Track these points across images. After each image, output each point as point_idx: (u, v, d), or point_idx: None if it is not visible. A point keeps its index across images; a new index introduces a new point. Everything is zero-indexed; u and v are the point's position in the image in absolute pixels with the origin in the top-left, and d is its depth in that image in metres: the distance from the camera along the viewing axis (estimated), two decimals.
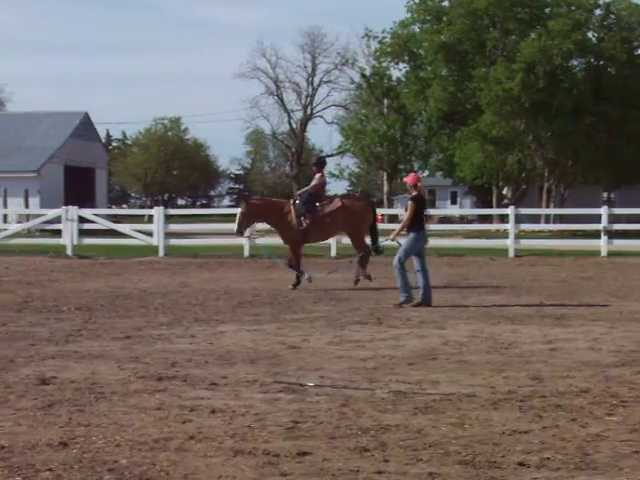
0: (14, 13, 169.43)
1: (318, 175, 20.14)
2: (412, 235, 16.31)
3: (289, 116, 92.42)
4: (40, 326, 13.38)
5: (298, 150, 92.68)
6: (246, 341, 12.02)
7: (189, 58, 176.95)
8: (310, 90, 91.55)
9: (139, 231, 32.46)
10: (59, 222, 32.09)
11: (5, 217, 46.36)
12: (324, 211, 19.67)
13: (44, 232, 38.63)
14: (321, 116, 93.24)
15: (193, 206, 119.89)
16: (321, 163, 20.84)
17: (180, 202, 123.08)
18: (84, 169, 63.39)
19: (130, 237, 31.61)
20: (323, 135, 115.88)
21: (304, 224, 19.48)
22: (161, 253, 29.93)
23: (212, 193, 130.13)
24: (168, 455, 6.51)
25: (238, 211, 19.94)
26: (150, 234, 31.20)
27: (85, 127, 64.72)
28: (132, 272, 24.02)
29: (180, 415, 7.73)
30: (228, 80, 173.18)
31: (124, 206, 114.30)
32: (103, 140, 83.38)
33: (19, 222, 41.87)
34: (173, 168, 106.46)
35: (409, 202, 16.42)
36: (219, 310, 15.45)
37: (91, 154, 64.38)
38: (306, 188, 20.31)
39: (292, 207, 19.67)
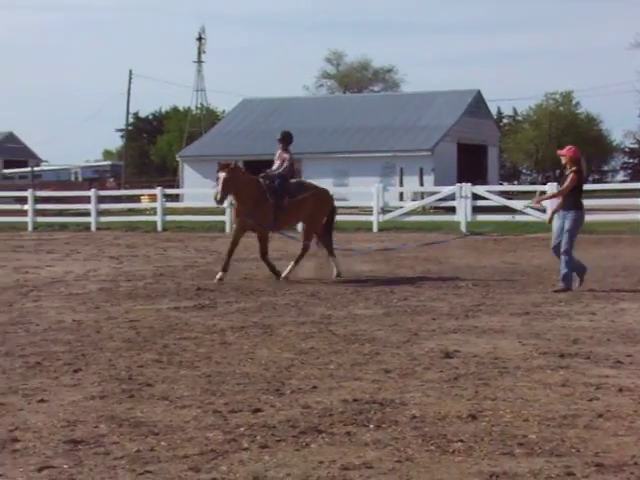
0: None
1: (286, 155, 17.34)
2: (573, 215, 14.67)
3: None
4: (440, 301, 13.70)
5: None
6: None
7: (580, 30, 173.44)
8: None
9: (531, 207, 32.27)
10: (453, 199, 32.60)
11: (401, 195, 47.77)
12: (297, 196, 17.14)
13: (438, 209, 39.45)
14: None
15: (584, 182, 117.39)
16: (288, 138, 17.59)
17: None
18: (476, 146, 64.02)
19: (523, 214, 31.48)
20: None
21: (282, 207, 16.85)
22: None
23: (605, 168, 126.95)
24: (577, 432, 6.45)
25: (220, 176, 16.34)
26: (543, 211, 30.95)
27: (477, 105, 65.31)
28: (525, 248, 23.95)
29: (586, 392, 7.64)
30: (622, 51, 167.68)
31: (515, 183, 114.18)
32: (494, 117, 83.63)
33: (414, 200, 43.01)
34: (565, 143, 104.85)
35: (570, 174, 14.82)
36: (618, 287, 15.08)
37: (483, 131, 64.89)
38: (280, 170, 17.23)
39: (266, 186, 16.98)
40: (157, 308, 13.15)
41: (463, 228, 30.97)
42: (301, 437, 6.42)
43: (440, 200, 35.48)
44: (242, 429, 6.63)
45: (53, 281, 16.84)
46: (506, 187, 64.87)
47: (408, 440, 6.32)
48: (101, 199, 36.99)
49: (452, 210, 32.77)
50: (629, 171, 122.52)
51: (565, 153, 15.13)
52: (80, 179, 68.21)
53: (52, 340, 10.43)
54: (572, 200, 14.87)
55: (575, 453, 5.99)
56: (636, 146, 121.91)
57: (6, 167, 77.45)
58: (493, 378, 8.25)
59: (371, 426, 6.68)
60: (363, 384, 8.04)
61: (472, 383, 8.05)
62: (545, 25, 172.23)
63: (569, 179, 14.89)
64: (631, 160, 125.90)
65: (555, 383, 8.01)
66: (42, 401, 7.51)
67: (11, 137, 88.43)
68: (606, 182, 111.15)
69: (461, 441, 6.27)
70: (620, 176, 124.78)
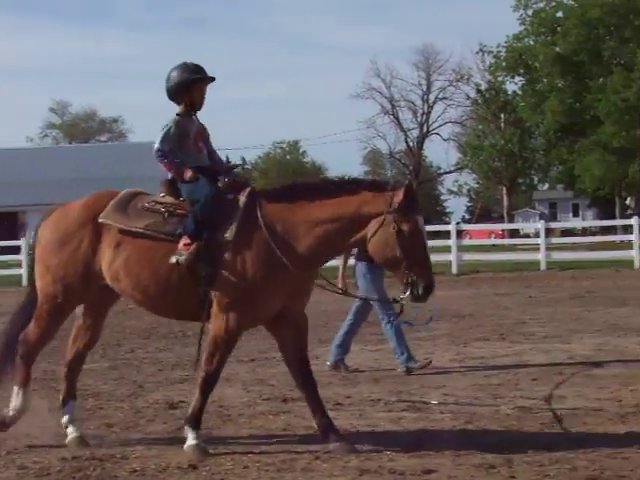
0: (129, 45, 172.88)
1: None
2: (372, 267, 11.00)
3: (405, 135, 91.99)
4: (167, 351, 13.65)
5: (416, 168, 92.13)
6: (369, 361, 12.05)
7: (305, 81, 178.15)
8: (426, 108, 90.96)
9: None
10: None
11: None
12: None
13: None
14: (437, 133, 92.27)
15: None
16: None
17: None
18: None
19: None
20: (440, 152, 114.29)
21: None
22: None
23: None
24: (295, 476, 6.57)
25: None
26: None
27: None
28: None
29: (305, 436, 7.79)
30: (344, 101, 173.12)
31: None
32: None
33: None
34: None
35: None
36: None
37: None
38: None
39: None
40: None
41: None
42: None
43: None
44: None
45: None
46: None
47: None
48: None
49: None
50: None
51: None
52: None
53: None
54: None
55: None
56: None
57: None
58: (216, 427, 8.28)
59: None
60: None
61: None
62: (271, 75, 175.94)
63: None
64: None
65: (277, 428, 8.15)
66: None
67: None
68: None
69: None
70: None
